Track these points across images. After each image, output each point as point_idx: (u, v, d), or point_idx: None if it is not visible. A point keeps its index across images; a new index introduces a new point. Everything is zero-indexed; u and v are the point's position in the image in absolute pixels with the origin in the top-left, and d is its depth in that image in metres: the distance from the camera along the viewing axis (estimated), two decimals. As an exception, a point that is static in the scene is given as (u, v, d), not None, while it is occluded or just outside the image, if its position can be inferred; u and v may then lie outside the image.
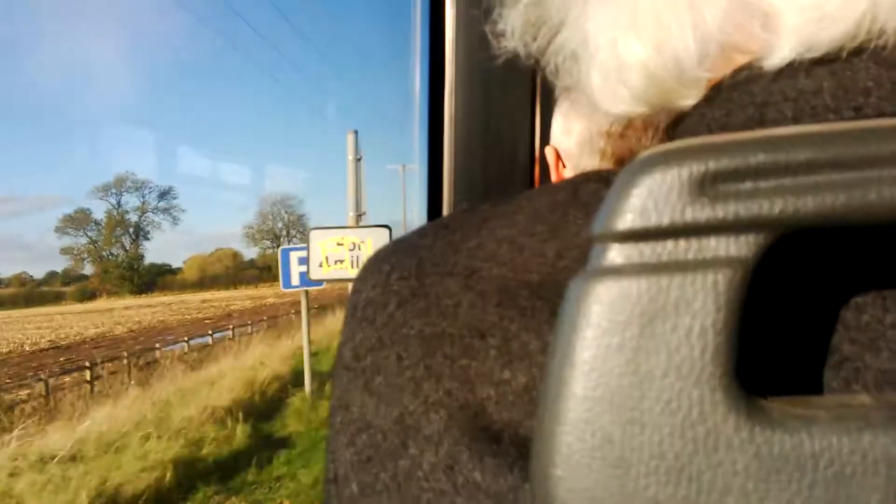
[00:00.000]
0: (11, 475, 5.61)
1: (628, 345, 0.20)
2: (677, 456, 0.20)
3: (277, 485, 6.08)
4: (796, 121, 0.27)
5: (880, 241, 0.23)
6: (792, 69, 0.27)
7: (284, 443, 7.23)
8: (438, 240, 0.32)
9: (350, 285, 0.37)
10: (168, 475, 5.97)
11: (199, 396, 8.42)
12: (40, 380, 13.41)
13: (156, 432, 6.80)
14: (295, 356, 11.59)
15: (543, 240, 0.29)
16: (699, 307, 0.20)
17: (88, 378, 13.20)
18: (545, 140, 1.05)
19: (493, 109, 1.04)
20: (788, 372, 0.23)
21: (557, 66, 0.36)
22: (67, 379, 14.49)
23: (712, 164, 0.20)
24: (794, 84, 0.27)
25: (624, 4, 0.31)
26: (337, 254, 4.02)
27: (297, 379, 9.82)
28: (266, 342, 13.97)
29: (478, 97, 1.03)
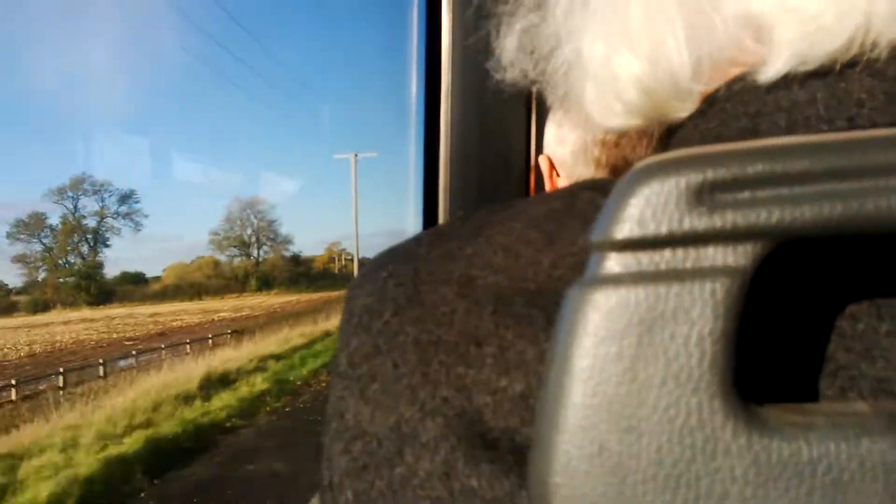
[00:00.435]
0: None
1: (626, 353, 0.20)
2: (675, 463, 0.20)
3: None
4: (790, 131, 0.27)
5: (875, 251, 0.23)
6: (786, 81, 0.27)
7: None
8: (435, 247, 0.32)
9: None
10: None
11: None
12: None
13: None
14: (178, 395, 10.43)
15: (539, 248, 0.29)
16: (697, 315, 0.20)
17: None
18: (540, 148, 1.05)
19: (490, 118, 1.04)
20: (785, 380, 0.23)
21: (552, 81, 0.37)
22: None
23: (710, 174, 0.20)
24: (788, 95, 0.27)
25: (618, 20, 0.31)
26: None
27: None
28: (171, 369, 13.07)
29: (474, 105, 1.03)
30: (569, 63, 0.35)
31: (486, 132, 1.05)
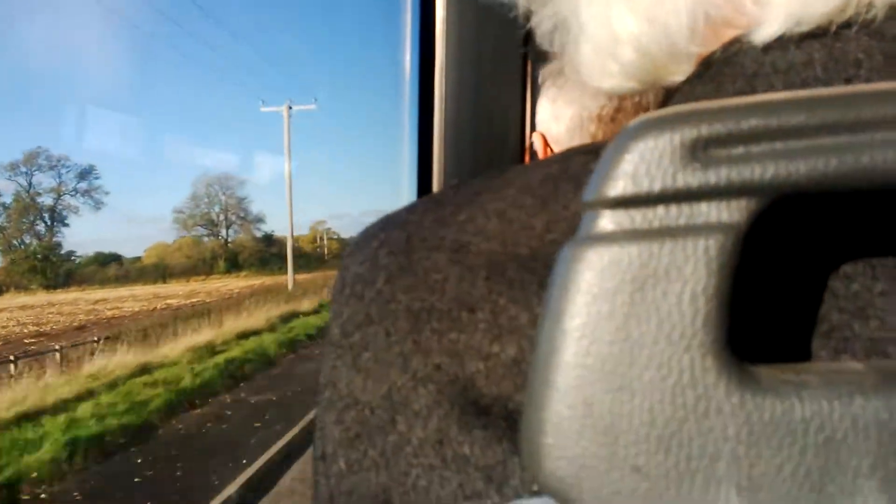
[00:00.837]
0: None
1: (619, 311, 0.20)
2: (667, 422, 0.20)
3: None
4: None
5: (871, 210, 0.23)
6: (782, 42, 0.27)
7: None
8: (427, 214, 0.32)
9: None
10: None
11: None
12: None
13: None
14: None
15: (533, 213, 0.29)
16: (690, 273, 0.20)
17: None
18: (535, 126, 1.05)
19: (484, 93, 1.04)
20: (778, 339, 0.23)
21: (547, 31, 0.36)
22: None
23: (704, 130, 0.20)
24: (785, 56, 0.27)
25: None
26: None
27: None
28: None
29: (468, 80, 1.03)
30: (565, 17, 0.34)
31: (480, 107, 1.04)
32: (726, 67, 0.29)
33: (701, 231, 0.20)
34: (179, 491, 6.46)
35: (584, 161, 0.30)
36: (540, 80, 1.02)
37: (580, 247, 0.21)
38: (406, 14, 1.06)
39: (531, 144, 1.05)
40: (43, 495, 6.66)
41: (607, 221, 0.21)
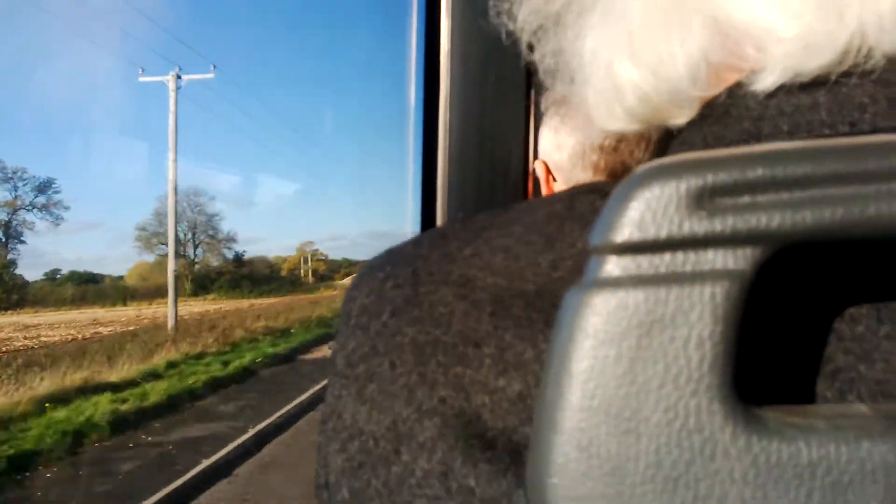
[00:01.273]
0: None
1: (625, 355, 0.21)
2: (674, 465, 0.20)
3: None
4: (792, 135, 0.27)
5: (876, 254, 0.24)
6: (786, 87, 0.28)
7: None
8: (434, 249, 0.32)
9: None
10: None
11: None
12: None
13: None
14: None
15: (539, 250, 0.30)
16: (696, 319, 0.20)
17: None
18: (538, 152, 1.05)
19: (488, 121, 1.05)
20: (784, 382, 0.23)
21: (550, 70, 0.37)
22: None
23: (710, 178, 0.20)
24: (790, 99, 0.28)
25: (620, 27, 0.31)
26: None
27: None
28: None
29: (473, 109, 1.04)
30: (569, 62, 0.35)
31: (484, 135, 1.05)
32: (732, 109, 0.29)
33: (707, 278, 0.20)
34: None
35: (590, 200, 0.31)
36: (542, 107, 1.03)
37: (587, 291, 0.21)
38: (411, 40, 1.08)
39: (534, 171, 1.06)
40: None
41: (614, 266, 0.21)
